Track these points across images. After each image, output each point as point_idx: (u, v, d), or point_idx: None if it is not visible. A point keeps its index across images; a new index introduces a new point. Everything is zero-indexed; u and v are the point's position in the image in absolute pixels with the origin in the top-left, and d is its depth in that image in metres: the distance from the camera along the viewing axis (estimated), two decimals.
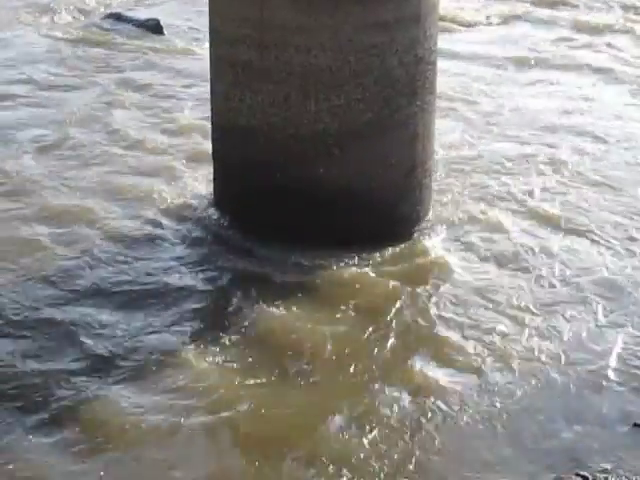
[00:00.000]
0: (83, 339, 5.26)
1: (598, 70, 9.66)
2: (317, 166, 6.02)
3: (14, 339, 5.28)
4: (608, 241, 6.36)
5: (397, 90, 6.02)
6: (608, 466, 4.44)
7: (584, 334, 5.41)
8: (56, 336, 5.30)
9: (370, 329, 5.37)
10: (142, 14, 11.23)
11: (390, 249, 6.12)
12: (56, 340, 5.26)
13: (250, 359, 5.13)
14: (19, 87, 8.95)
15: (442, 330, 5.42)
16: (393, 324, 5.43)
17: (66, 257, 6.08)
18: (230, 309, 5.58)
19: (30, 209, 6.66)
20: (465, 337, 5.34)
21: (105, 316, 5.48)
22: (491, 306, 5.64)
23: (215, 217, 6.51)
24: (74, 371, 5.01)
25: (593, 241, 6.38)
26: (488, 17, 11.50)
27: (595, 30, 10.97)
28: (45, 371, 5.00)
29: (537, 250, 6.26)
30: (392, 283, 5.80)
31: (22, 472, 4.37)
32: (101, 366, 5.06)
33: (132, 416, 4.69)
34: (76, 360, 5.11)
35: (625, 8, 11.76)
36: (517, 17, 11.58)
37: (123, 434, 4.58)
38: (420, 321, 5.50)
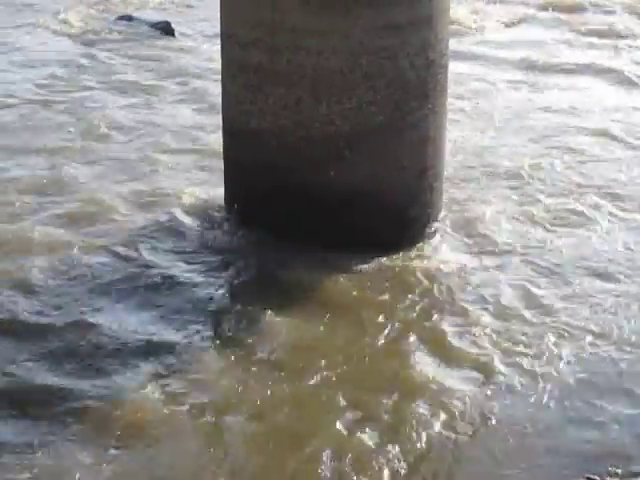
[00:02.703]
0: (92, 333, 5.31)
1: (608, 72, 9.66)
2: (328, 169, 6.03)
3: (21, 334, 5.31)
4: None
5: (409, 93, 6.03)
6: (618, 470, 4.44)
7: (597, 331, 5.42)
8: (66, 331, 5.32)
9: (379, 330, 5.37)
10: (153, 16, 11.31)
11: (401, 252, 6.12)
12: (66, 335, 5.29)
13: (254, 358, 5.15)
14: (39, 89, 8.99)
15: (451, 331, 5.41)
16: (403, 326, 5.43)
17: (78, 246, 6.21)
18: (237, 308, 5.58)
19: None
20: (474, 338, 5.34)
21: (113, 311, 5.53)
22: (501, 307, 5.64)
23: (225, 219, 6.52)
24: (88, 365, 5.05)
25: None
26: (498, 20, 11.51)
27: (606, 33, 10.97)
28: (55, 367, 5.03)
29: (545, 249, 6.27)
30: (402, 286, 5.80)
31: (43, 464, 4.42)
32: (111, 361, 5.10)
33: (143, 411, 4.72)
34: (87, 355, 5.14)
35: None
36: (527, 20, 11.59)
37: (137, 429, 4.61)
38: (430, 323, 5.50)
